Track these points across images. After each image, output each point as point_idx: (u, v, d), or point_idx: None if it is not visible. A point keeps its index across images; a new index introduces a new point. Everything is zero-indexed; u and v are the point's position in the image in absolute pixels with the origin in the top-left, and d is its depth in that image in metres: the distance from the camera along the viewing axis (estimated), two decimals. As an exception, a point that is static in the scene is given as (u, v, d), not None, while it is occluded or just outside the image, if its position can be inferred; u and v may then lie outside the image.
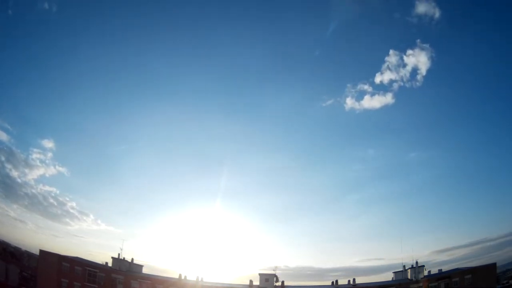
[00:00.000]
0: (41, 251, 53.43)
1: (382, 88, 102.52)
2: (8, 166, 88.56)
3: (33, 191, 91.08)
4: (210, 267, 71.24)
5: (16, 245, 65.20)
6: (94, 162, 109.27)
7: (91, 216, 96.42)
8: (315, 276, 74.11)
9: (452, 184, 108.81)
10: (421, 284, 47.53)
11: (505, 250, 67.18)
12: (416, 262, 50.43)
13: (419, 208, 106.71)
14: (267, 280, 52.19)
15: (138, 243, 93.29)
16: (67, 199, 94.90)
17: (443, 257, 70.17)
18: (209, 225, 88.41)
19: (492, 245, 76.42)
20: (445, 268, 51.32)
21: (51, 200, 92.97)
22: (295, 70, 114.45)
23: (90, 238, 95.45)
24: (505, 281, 51.18)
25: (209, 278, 54.60)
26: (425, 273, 49.84)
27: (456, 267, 50.77)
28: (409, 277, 50.41)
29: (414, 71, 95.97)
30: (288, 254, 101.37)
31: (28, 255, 62.58)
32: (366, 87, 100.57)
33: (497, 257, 60.28)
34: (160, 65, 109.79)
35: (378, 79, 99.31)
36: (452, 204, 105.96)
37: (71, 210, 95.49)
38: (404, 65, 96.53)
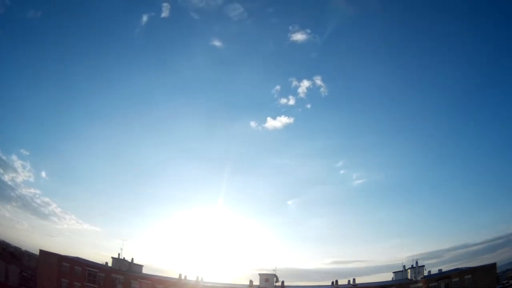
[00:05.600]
0: (41, 251, 53.47)
1: (282, 112, 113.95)
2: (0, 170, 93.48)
3: (23, 192, 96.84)
4: (210, 267, 71.08)
5: (16, 245, 65.38)
6: (65, 168, 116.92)
7: (73, 216, 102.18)
8: (300, 276, 74.43)
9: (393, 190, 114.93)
10: (421, 284, 47.47)
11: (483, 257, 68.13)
12: (416, 262, 50.34)
13: (360, 212, 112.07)
14: (267, 280, 52.13)
15: (137, 243, 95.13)
16: (48, 199, 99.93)
17: (427, 261, 70.20)
18: (208, 225, 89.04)
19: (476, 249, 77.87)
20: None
21: (38, 201, 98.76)
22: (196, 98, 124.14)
23: (82, 237, 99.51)
24: (505, 281, 51.22)
25: (209, 278, 54.67)
26: (425, 273, 49.81)
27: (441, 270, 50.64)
28: (409, 277, 50.39)
29: (314, 92, 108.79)
30: (275, 255, 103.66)
31: (28, 255, 62.55)
32: (268, 112, 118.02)
33: (487, 260, 60.36)
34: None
35: (282, 102, 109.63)
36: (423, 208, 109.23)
37: (55, 210, 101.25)
38: (300, 88, 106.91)
